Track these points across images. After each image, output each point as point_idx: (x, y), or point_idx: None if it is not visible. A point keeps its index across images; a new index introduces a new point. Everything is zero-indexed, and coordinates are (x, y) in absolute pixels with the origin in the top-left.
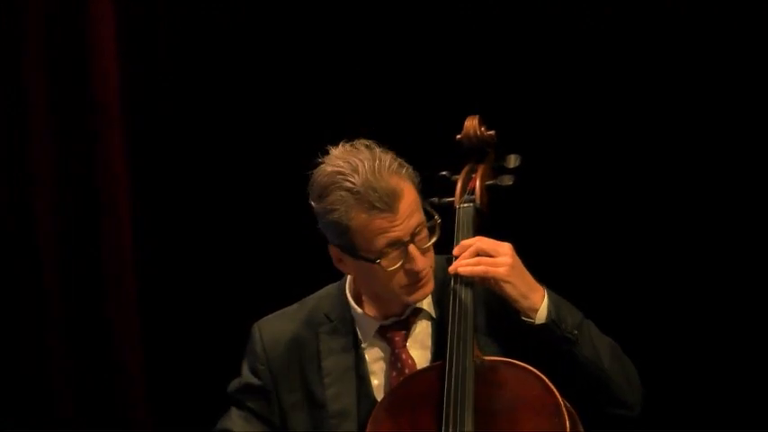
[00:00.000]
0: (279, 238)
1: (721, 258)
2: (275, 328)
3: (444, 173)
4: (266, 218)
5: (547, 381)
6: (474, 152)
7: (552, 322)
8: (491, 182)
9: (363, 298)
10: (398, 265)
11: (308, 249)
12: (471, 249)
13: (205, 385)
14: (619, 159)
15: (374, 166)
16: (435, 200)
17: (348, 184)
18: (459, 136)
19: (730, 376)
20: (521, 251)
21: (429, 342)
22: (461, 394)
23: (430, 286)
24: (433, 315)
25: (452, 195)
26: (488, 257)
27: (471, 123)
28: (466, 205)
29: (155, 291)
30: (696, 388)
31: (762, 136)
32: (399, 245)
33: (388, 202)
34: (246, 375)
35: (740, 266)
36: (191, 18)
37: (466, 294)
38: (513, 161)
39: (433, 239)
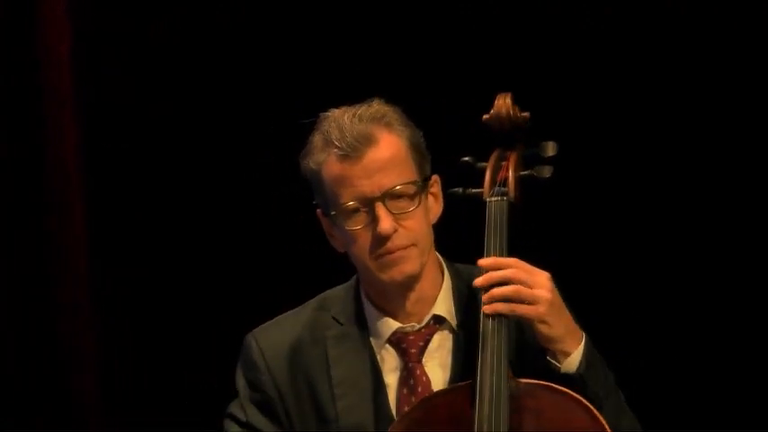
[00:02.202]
0: (246, 239)
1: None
2: (274, 335)
3: (467, 158)
4: (235, 215)
5: (593, 409)
6: (503, 136)
7: (580, 378)
8: (526, 172)
9: (374, 296)
10: (361, 226)
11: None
12: (503, 275)
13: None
14: (669, 145)
15: (356, 111)
16: (459, 190)
17: (324, 126)
18: (487, 116)
19: (730, 377)
20: (551, 256)
21: (449, 359)
22: (496, 421)
23: (410, 266)
24: (455, 327)
25: (478, 185)
26: (526, 289)
27: (503, 102)
28: (497, 199)
29: (110, 294)
30: (696, 388)
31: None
32: (366, 202)
33: (354, 146)
34: (245, 391)
35: (741, 269)
36: None
37: None
38: (551, 149)
39: (413, 207)
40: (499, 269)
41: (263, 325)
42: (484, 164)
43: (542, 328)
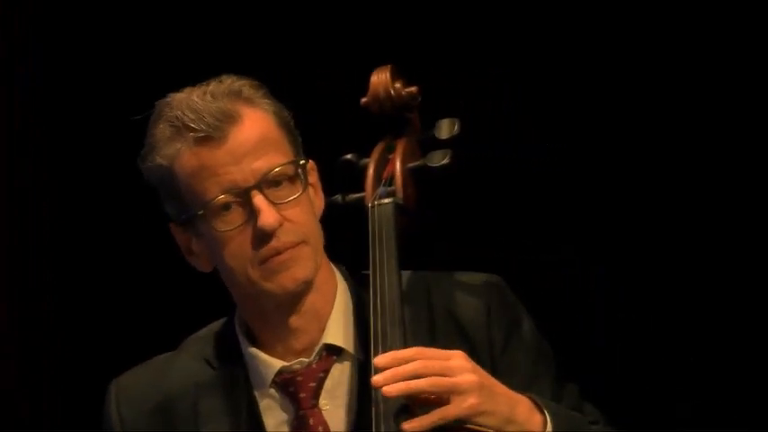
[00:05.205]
0: None
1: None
2: (137, 385)
3: (349, 156)
4: None
5: None
6: (389, 121)
7: None
8: (416, 163)
9: (255, 328)
10: (236, 225)
11: None
12: (408, 371)
13: None
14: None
15: (207, 88)
16: (338, 198)
17: (169, 113)
18: (364, 99)
19: (730, 376)
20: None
21: (353, 399)
22: None
23: (303, 269)
24: (357, 355)
25: (362, 189)
26: (444, 379)
27: (381, 78)
28: (383, 202)
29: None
30: (695, 389)
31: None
32: (238, 194)
33: (215, 125)
34: None
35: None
36: None
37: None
38: (447, 128)
39: (297, 193)
40: (400, 365)
41: (130, 370)
42: (368, 159)
43: (487, 421)
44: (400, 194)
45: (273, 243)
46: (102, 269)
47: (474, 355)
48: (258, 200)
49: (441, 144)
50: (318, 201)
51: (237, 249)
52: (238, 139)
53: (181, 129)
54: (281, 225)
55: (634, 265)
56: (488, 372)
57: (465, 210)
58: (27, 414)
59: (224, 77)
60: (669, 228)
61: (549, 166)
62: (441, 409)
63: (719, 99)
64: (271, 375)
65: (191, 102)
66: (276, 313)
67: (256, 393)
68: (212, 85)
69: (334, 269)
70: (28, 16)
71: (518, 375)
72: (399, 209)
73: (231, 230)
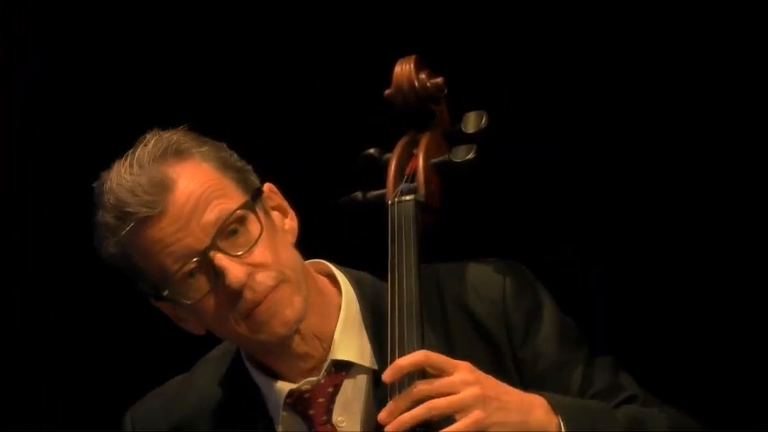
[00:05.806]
0: None
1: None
2: (152, 413)
3: (371, 151)
4: None
5: None
6: (413, 114)
7: None
8: (439, 159)
9: (260, 360)
10: (206, 290)
11: None
12: (410, 397)
13: None
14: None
15: (132, 159)
16: (359, 195)
17: (106, 199)
18: (388, 91)
19: (730, 376)
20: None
21: (372, 411)
22: None
23: (292, 309)
24: (372, 366)
25: (384, 186)
26: (442, 400)
27: (405, 69)
28: (403, 199)
29: None
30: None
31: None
32: (198, 258)
33: (148, 202)
34: None
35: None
36: None
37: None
38: (473, 122)
39: (257, 235)
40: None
41: (144, 398)
42: (390, 154)
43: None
44: (422, 191)
45: (249, 296)
46: (102, 269)
47: (493, 348)
48: (218, 259)
49: (467, 138)
50: (289, 222)
51: (217, 312)
52: (178, 203)
53: (119, 215)
54: (250, 275)
55: (634, 265)
56: (510, 364)
57: (464, 209)
58: (27, 414)
59: (149, 137)
60: (669, 227)
61: (549, 166)
62: (447, 428)
63: (719, 99)
64: (282, 399)
65: (121, 181)
66: (277, 349)
67: (273, 416)
68: (138, 152)
69: (339, 276)
70: (28, 16)
71: (543, 364)
72: (421, 206)
73: (203, 297)
